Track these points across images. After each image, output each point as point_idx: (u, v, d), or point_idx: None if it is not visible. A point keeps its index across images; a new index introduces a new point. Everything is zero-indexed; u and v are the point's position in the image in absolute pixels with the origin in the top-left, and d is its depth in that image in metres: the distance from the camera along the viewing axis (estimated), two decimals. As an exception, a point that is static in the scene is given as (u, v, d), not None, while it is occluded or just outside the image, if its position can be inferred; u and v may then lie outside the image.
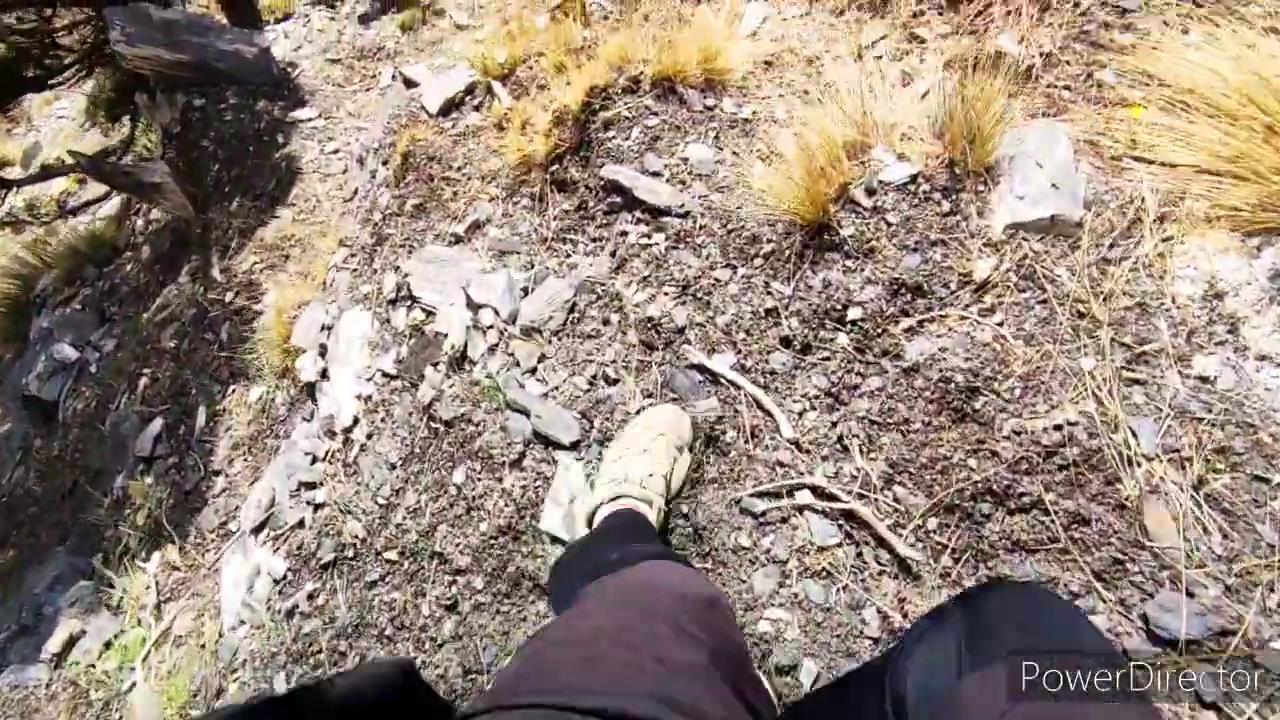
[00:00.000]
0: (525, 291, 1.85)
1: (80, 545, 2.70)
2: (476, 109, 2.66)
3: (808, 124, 1.75)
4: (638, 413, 1.62)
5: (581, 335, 1.74)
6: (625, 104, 1.97)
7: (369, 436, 1.95)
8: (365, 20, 4.02)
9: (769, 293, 1.56)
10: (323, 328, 2.23)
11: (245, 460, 2.43)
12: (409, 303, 2.09)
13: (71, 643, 2.15)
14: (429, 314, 2.03)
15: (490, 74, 2.65)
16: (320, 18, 4.16)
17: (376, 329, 2.12)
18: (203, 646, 2.01)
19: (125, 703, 2.01)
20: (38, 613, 2.35)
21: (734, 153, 1.83)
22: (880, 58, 1.91)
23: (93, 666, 2.12)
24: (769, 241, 1.61)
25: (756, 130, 1.87)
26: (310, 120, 3.44)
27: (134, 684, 2.01)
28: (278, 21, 4.30)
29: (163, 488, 2.56)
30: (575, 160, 2.03)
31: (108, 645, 2.16)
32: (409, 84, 3.48)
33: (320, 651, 1.74)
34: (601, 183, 1.90)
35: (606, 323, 1.74)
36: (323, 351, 2.20)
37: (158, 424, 2.79)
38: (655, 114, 1.93)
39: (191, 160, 3.52)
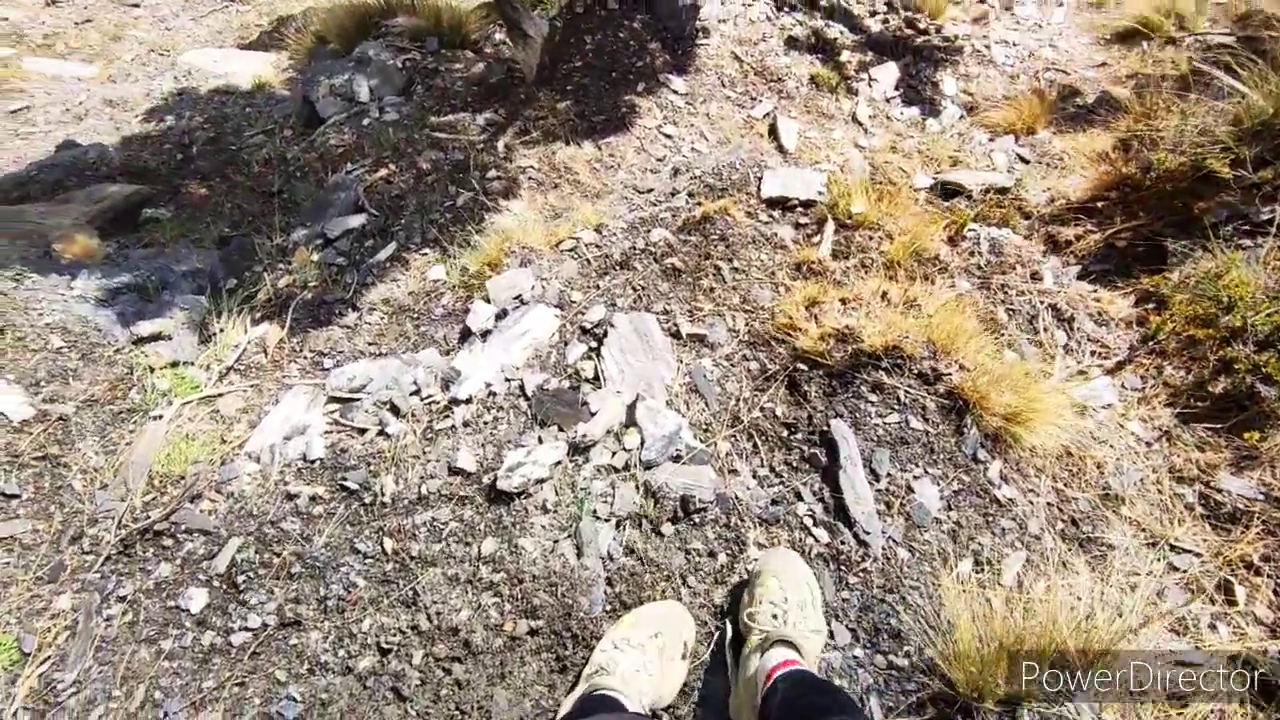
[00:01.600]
0: (678, 458, 1.71)
1: (232, 256, 2.86)
2: (797, 227, 2.52)
3: (1044, 570, 1.49)
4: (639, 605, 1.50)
5: (684, 543, 1.60)
6: (909, 388, 1.76)
7: (465, 425, 1.91)
8: (791, 46, 3.93)
9: (864, 704, 1.35)
10: (517, 297, 2.19)
11: (381, 321, 2.47)
12: (594, 352, 2.01)
13: (156, 338, 2.28)
14: (597, 379, 1.94)
15: (834, 211, 2.48)
16: (763, 10, 4.10)
17: (550, 343, 2.06)
18: (222, 441, 2.07)
19: (142, 425, 2.10)
20: (160, 285, 2.50)
21: (957, 525, 1.60)
22: (1178, 571, 1.60)
23: (151, 370, 2.23)
24: (906, 655, 1.39)
25: (998, 521, 1.63)
26: (675, 93, 3.41)
27: (159, 417, 2.10)
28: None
29: (316, 277, 2.66)
30: (824, 380, 1.85)
31: (174, 365, 2.27)
32: (773, 132, 3.37)
33: (278, 557, 1.73)
34: (824, 429, 1.72)
35: (712, 555, 1.58)
36: (500, 315, 2.17)
37: (358, 221, 2.89)
38: (926, 421, 1.72)
39: (567, 41, 3.58)
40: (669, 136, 3.24)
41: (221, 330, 2.39)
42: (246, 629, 1.61)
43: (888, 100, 3.82)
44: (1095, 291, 2.47)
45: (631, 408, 1.81)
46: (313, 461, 1.91)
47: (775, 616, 1.32)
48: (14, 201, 3.51)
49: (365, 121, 3.63)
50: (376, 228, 2.87)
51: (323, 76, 4.18)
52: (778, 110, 3.50)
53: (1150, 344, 2.14)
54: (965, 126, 3.77)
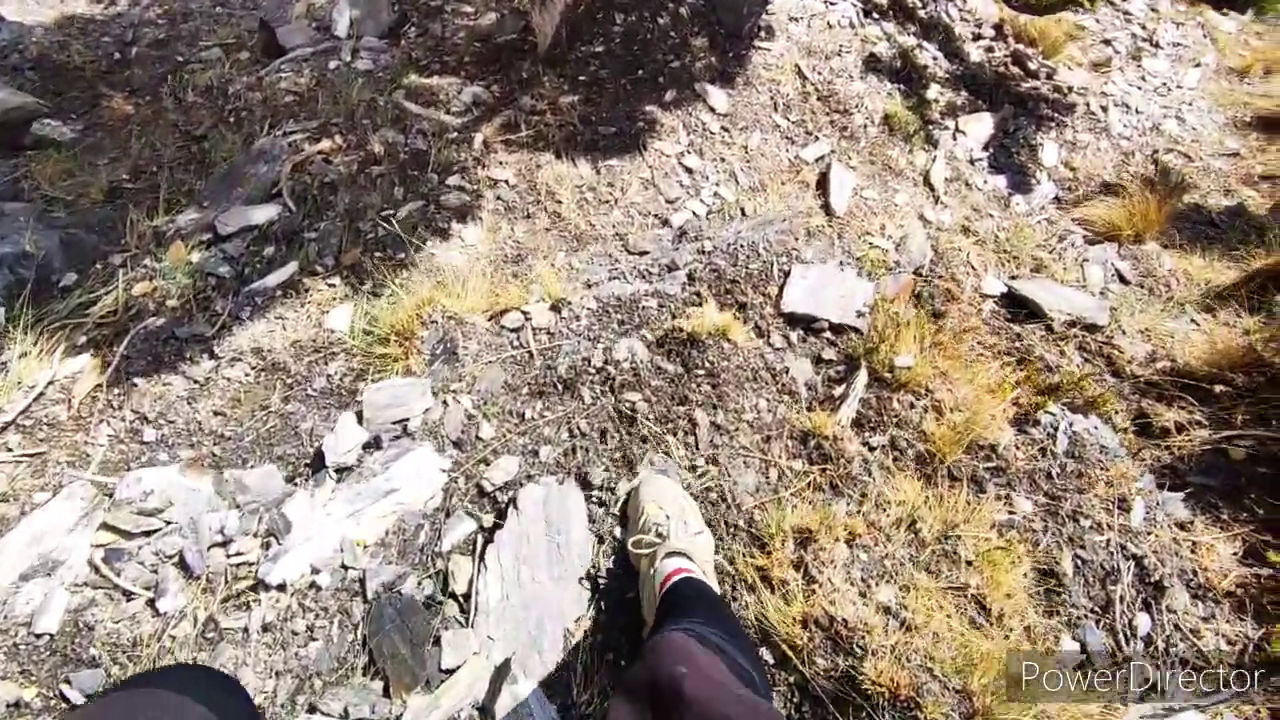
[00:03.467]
0: None
1: (85, 237, 2.15)
2: (818, 362, 1.81)
3: None
4: None
5: None
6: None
7: (264, 629, 1.26)
8: (871, 68, 3.08)
9: None
10: (400, 422, 1.51)
11: (244, 379, 1.79)
12: (485, 537, 1.34)
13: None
14: (469, 597, 1.28)
15: (872, 356, 1.77)
16: (846, 13, 3.22)
17: (426, 510, 1.39)
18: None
19: None
20: (-36, 270, 1.83)
21: None
22: None
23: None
24: None
25: None
26: (712, 111, 2.61)
27: None
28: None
29: (183, 291, 1.97)
30: (792, 697, 1.19)
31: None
32: (822, 184, 2.62)
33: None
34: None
35: None
36: (371, 444, 1.49)
37: (266, 215, 2.18)
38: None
39: (593, 14, 2.77)
40: (690, 170, 2.47)
41: (22, 356, 1.73)
42: None
43: (972, 162, 3.01)
44: (1191, 530, 1.78)
45: (497, 679, 1.16)
46: (40, 636, 1.28)
47: (660, 534, 1.29)
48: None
49: (332, 64, 2.86)
50: (286, 229, 2.16)
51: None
52: (835, 155, 2.71)
53: (1269, 674, 1.46)
54: (1057, 214, 2.98)
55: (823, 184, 2.61)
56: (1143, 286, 2.67)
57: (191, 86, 2.91)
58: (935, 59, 3.34)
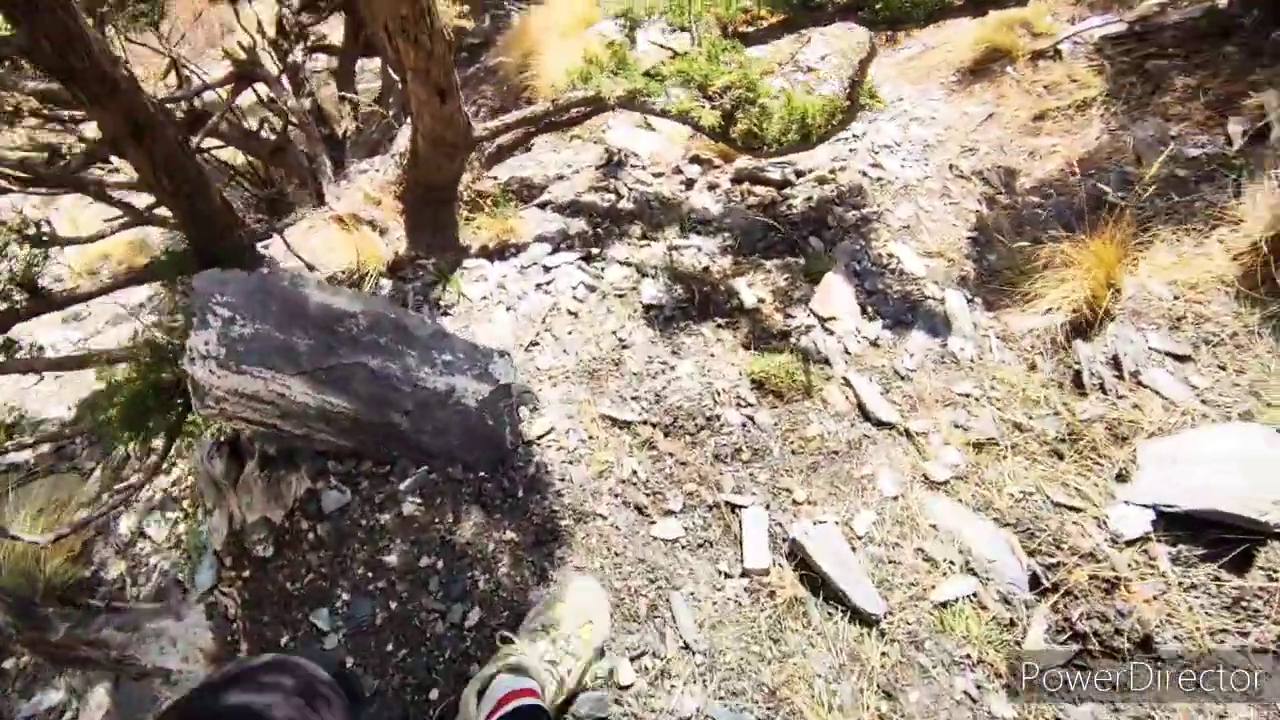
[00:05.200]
0: None
1: None
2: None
3: None
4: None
5: None
6: None
7: None
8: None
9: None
10: None
11: None
12: None
13: None
14: None
15: None
16: (572, 275, 2.09)
17: None
18: None
19: None
20: None
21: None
22: None
23: None
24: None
25: None
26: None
27: None
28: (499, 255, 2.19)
29: None
30: None
31: None
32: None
33: None
34: None
35: None
36: None
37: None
38: None
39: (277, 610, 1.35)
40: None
41: None
42: None
43: (874, 343, 2.03)
44: None
45: None
46: None
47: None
48: None
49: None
50: None
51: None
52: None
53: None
54: (1001, 326, 2.07)
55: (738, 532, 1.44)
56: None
57: None
58: (701, 247, 2.37)
